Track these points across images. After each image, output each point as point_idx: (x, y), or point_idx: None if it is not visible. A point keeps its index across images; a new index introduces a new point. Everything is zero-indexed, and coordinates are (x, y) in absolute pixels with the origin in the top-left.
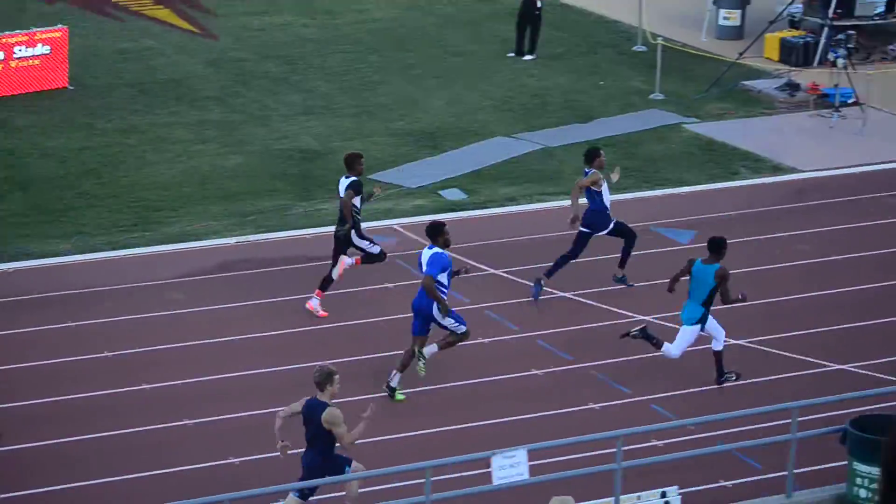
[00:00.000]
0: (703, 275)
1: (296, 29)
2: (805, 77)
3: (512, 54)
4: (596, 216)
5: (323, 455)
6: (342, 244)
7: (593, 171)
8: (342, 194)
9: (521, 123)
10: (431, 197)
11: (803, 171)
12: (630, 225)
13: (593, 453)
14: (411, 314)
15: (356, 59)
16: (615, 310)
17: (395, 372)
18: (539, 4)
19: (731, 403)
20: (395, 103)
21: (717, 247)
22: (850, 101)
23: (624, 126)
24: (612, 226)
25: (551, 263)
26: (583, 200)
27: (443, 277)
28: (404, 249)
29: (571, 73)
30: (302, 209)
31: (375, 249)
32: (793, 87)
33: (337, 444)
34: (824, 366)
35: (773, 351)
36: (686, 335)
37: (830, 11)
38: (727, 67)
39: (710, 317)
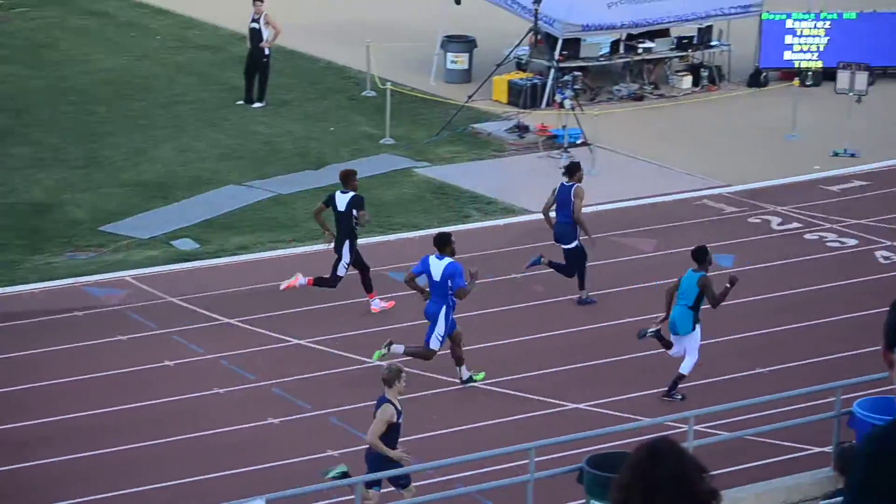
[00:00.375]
0: (690, 281)
1: (22, 80)
2: (533, 119)
3: (241, 102)
4: (563, 228)
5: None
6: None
7: (578, 185)
8: (341, 209)
9: (253, 171)
10: (163, 247)
11: (535, 213)
12: (368, 272)
13: (336, 500)
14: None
15: (83, 110)
16: (353, 356)
17: (459, 369)
18: (267, 52)
19: (469, 445)
20: (125, 153)
21: (700, 256)
22: (578, 141)
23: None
24: (577, 237)
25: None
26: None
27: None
28: (135, 301)
29: (302, 120)
30: (32, 263)
31: (342, 272)
32: (522, 128)
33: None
34: (560, 405)
35: (510, 392)
36: (693, 341)
37: (556, 53)
38: (456, 111)
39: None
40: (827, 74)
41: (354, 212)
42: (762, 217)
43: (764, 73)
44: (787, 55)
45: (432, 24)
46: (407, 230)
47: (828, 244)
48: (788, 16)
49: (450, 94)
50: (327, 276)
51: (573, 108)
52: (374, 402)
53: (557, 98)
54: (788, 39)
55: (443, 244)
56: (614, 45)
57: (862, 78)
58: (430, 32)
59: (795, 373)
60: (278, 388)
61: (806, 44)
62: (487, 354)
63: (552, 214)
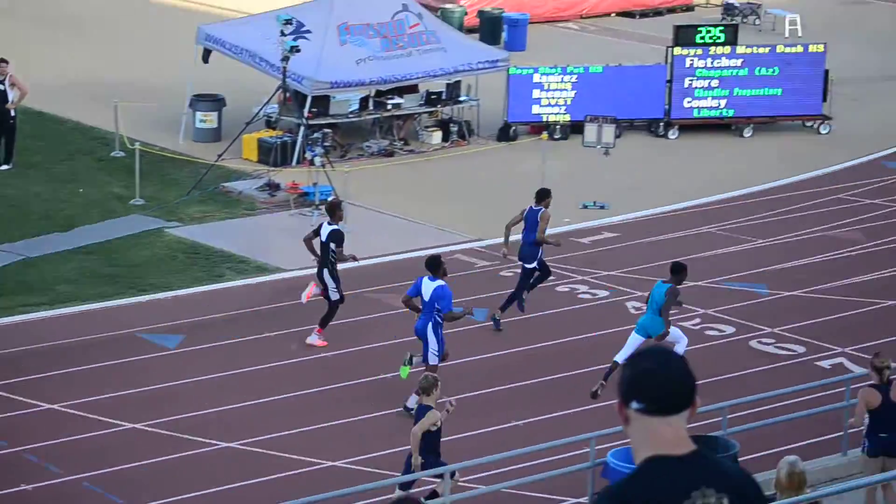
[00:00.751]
0: (660, 291)
1: None
2: (284, 176)
3: None
4: (528, 249)
5: (433, 453)
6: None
7: (545, 210)
8: (323, 239)
9: (0, 235)
10: None
11: (288, 270)
12: (117, 333)
13: None
14: None
15: None
16: (104, 419)
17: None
18: (13, 113)
19: None
20: None
21: (677, 269)
22: (329, 198)
23: (106, 233)
24: (533, 264)
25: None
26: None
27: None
28: None
29: (50, 182)
30: None
31: (336, 296)
32: (273, 186)
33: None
34: (315, 464)
35: (267, 452)
36: (672, 336)
37: (306, 111)
38: (206, 170)
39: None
40: (575, 128)
41: (332, 245)
42: (514, 271)
43: (513, 128)
44: (536, 109)
45: (180, 83)
46: (160, 291)
47: (579, 296)
48: (535, 70)
49: (200, 154)
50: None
51: (323, 166)
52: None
53: (308, 155)
54: (536, 93)
55: (434, 267)
56: (364, 102)
57: (609, 131)
58: (179, 91)
59: (551, 424)
60: (31, 454)
61: (553, 98)
62: (253, 412)
63: (517, 237)
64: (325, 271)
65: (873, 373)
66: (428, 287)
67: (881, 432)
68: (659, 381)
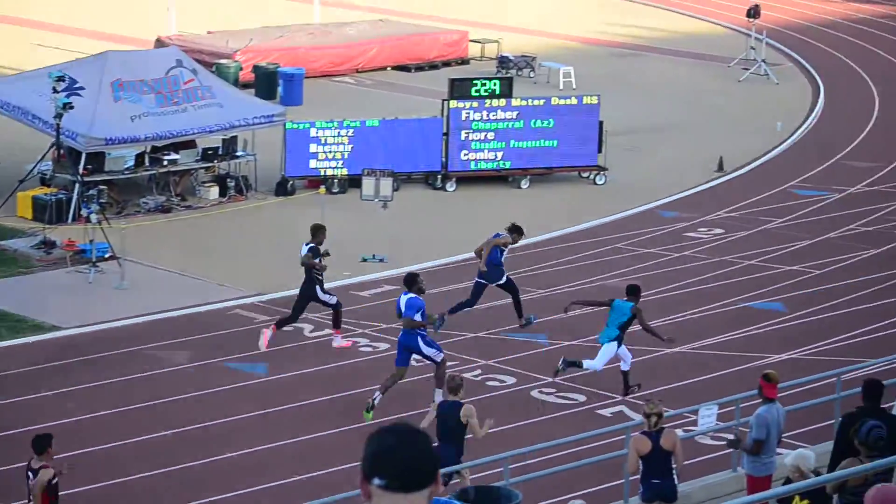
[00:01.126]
0: (622, 307)
1: None
2: (60, 234)
3: None
4: (493, 270)
5: (456, 447)
6: (306, 298)
7: (505, 234)
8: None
9: None
10: None
11: (65, 329)
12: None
13: None
14: None
15: None
16: None
17: (377, 393)
18: None
19: None
20: None
21: (634, 291)
22: (106, 255)
23: None
24: (504, 279)
25: (454, 304)
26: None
27: (417, 316)
28: None
29: None
30: None
31: (333, 300)
32: (49, 244)
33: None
34: None
35: None
36: (609, 351)
37: (80, 167)
38: None
39: (623, 342)
40: (353, 181)
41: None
42: (294, 325)
43: (290, 182)
44: (313, 163)
45: None
46: None
47: (361, 349)
48: (312, 124)
49: None
50: (334, 319)
51: (100, 222)
52: None
53: (83, 212)
54: (313, 148)
55: (410, 284)
56: (139, 158)
57: (387, 184)
58: None
59: (334, 478)
60: None
61: (331, 151)
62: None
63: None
64: (317, 288)
65: (644, 419)
66: (403, 301)
67: (653, 478)
68: (401, 458)
